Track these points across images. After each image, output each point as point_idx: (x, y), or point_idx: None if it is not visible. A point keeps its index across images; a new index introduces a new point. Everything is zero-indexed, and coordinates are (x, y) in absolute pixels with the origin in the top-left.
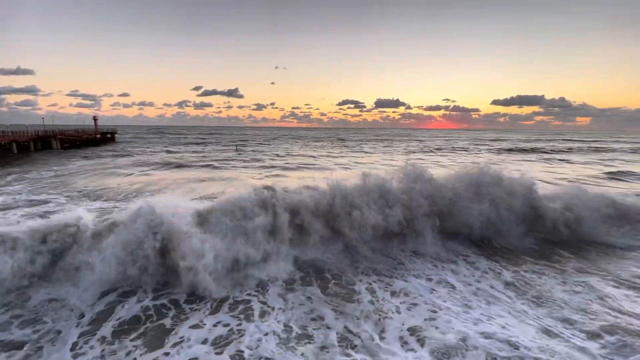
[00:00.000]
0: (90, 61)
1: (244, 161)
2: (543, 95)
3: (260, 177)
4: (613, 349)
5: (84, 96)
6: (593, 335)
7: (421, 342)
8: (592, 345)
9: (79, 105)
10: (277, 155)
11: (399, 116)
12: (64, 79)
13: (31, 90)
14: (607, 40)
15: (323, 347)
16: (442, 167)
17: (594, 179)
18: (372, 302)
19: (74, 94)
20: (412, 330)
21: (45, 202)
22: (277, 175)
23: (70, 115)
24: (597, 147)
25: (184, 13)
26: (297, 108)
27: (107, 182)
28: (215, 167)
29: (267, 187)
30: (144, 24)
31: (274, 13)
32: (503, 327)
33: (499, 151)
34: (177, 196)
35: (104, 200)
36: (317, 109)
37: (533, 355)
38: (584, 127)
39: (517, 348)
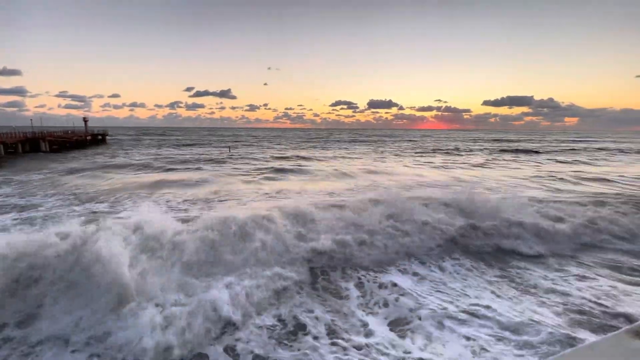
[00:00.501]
0: (79, 61)
1: (238, 163)
2: (532, 96)
3: (254, 179)
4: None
5: (73, 97)
6: (571, 321)
7: (405, 331)
8: (571, 330)
9: (68, 107)
10: (272, 157)
11: (392, 117)
12: (52, 80)
13: (18, 91)
14: (595, 42)
15: (315, 338)
16: (435, 169)
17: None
18: (359, 297)
19: (62, 94)
20: (397, 321)
21: (36, 206)
22: (271, 179)
23: (59, 117)
24: (586, 147)
25: (175, 13)
26: (291, 109)
27: (98, 185)
28: (208, 170)
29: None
30: (134, 24)
31: (266, 13)
32: (486, 318)
33: (491, 152)
34: (163, 213)
35: (95, 203)
36: (311, 109)
37: (513, 345)
38: (572, 127)
39: (496, 339)
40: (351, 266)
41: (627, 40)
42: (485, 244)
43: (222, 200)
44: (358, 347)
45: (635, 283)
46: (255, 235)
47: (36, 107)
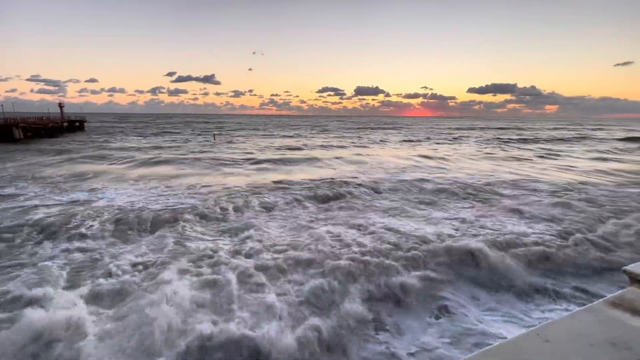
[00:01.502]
0: (52, 44)
1: (222, 152)
2: (516, 84)
3: (240, 168)
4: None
5: (47, 81)
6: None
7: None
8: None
9: (41, 91)
10: (259, 146)
11: (379, 104)
12: (22, 63)
13: None
14: (576, 32)
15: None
16: (425, 158)
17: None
18: None
19: (35, 79)
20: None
21: (13, 196)
22: (264, 170)
23: (32, 102)
24: (574, 135)
25: None
26: (277, 95)
27: (77, 173)
28: (192, 160)
29: None
30: (111, 4)
31: None
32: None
33: (478, 142)
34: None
35: (75, 192)
36: (297, 96)
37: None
38: (553, 114)
39: None
40: None
41: (606, 31)
42: None
43: (205, 186)
44: None
45: None
46: None
47: (6, 92)
